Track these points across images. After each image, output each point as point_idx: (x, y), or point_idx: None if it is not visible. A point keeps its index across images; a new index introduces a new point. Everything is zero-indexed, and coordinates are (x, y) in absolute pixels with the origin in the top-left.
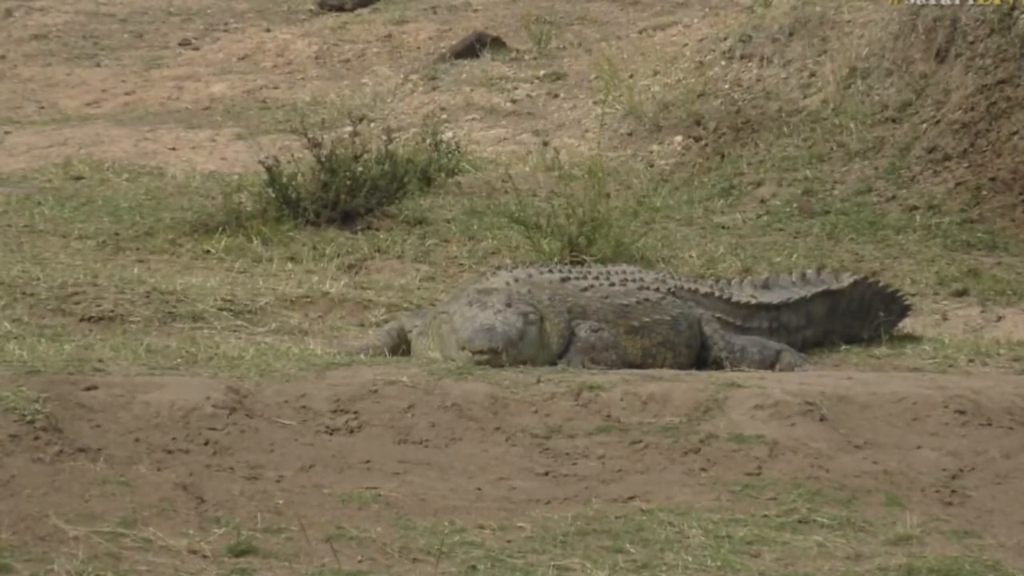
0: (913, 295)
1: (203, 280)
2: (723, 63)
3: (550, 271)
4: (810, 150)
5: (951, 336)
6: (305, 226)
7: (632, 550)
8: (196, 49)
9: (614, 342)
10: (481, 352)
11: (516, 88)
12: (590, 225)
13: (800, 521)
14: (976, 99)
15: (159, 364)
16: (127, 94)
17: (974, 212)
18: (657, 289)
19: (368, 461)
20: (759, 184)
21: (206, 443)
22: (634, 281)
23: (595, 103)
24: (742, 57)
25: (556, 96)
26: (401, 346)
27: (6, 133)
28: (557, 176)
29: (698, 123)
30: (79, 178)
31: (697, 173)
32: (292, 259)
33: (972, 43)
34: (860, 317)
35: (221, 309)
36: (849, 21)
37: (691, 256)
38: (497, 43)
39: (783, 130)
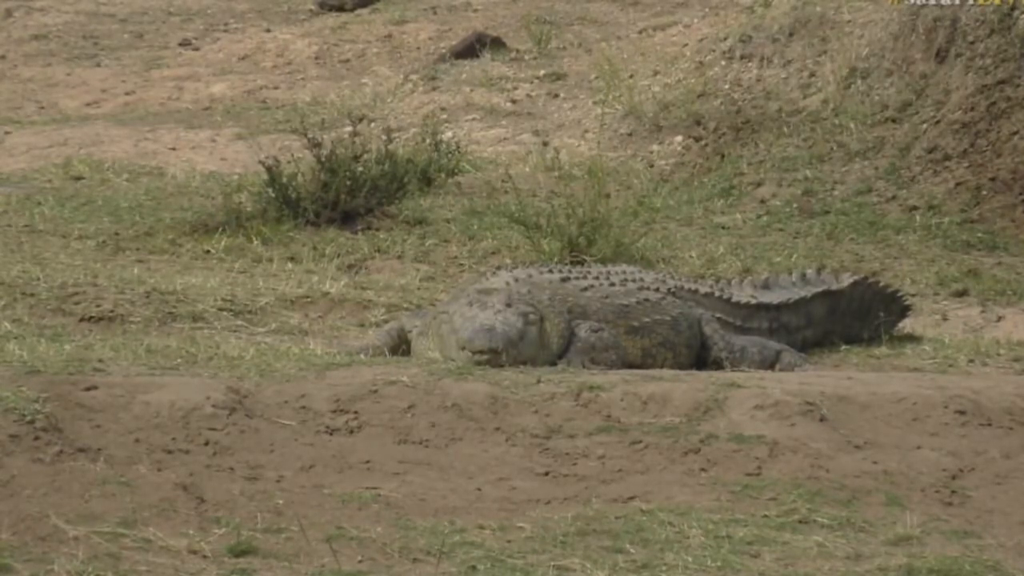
0: (913, 295)
1: (203, 280)
2: (723, 63)
3: (550, 271)
4: (810, 150)
5: (951, 336)
6: (305, 226)
7: (632, 550)
8: (196, 49)
9: (614, 342)
10: (481, 352)
11: (516, 88)
12: (590, 225)
13: (800, 521)
14: (976, 99)
15: (159, 364)
16: (127, 94)
17: (974, 212)
18: (657, 289)
19: (368, 461)
20: (759, 184)
21: (206, 443)
22: (634, 281)
23: (595, 103)
24: (742, 57)
25: (556, 96)
26: (401, 346)
27: (6, 133)
28: (557, 176)
29: (698, 123)
30: (79, 178)
31: (697, 173)
32: (292, 259)
33: (972, 43)
34: (860, 317)
35: (221, 309)
36: (849, 21)
37: (691, 256)
38: (497, 43)
39: (783, 130)
